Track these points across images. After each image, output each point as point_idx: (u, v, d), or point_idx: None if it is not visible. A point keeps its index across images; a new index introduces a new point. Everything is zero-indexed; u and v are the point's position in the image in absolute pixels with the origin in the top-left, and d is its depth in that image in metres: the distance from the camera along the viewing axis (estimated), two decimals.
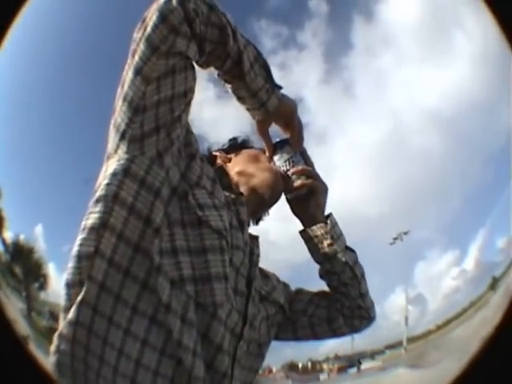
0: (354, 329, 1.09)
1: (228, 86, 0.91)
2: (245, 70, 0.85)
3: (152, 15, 0.73)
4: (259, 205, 1.02)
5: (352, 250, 1.06)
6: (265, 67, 0.89)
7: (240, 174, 1.02)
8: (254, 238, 0.97)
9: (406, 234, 15.73)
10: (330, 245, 1.03)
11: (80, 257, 0.72)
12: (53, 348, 0.72)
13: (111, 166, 0.75)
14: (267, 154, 1.04)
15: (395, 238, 15.82)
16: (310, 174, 1.02)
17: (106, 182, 0.74)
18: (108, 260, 0.71)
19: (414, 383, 8.45)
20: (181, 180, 0.78)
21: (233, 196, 0.90)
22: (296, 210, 1.07)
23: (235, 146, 1.12)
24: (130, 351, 0.69)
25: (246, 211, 0.91)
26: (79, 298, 0.71)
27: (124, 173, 0.73)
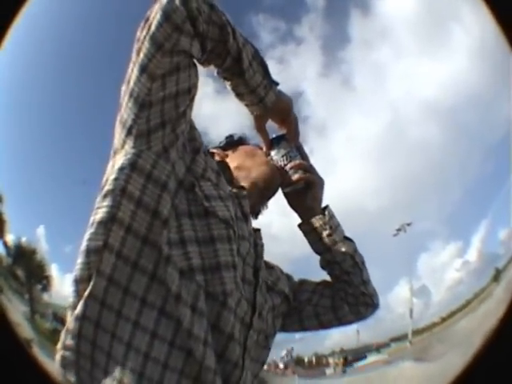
0: (360, 316, 1.11)
1: (227, 83, 0.93)
2: (244, 67, 0.87)
3: (156, 14, 0.75)
4: (257, 198, 1.04)
5: (350, 240, 1.10)
6: (262, 64, 0.92)
7: (238, 169, 1.05)
8: (257, 231, 0.99)
9: (409, 225, 15.72)
10: (329, 235, 1.07)
11: (89, 251, 0.73)
12: (59, 345, 0.73)
13: (118, 161, 0.77)
14: (264, 149, 1.06)
15: (398, 230, 15.82)
16: (307, 168, 1.05)
17: (113, 176, 0.75)
18: (116, 253, 0.72)
19: (420, 376, 8.47)
20: (186, 173, 0.80)
21: (235, 190, 0.92)
22: (293, 204, 1.10)
23: (232, 142, 1.15)
24: (138, 344, 0.70)
25: (248, 204, 0.93)
26: (87, 292, 0.71)
27: (131, 167, 0.75)
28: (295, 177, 1.03)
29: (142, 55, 0.75)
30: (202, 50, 0.80)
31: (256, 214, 1.14)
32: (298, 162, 1.04)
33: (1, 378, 0.77)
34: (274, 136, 1.05)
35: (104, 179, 0.78)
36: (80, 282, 0.73)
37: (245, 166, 1.05)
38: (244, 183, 1.01)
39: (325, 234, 1.07)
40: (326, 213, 1.07)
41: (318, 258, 1.11)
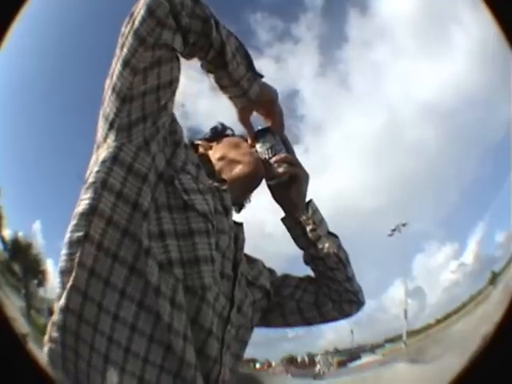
0: (344, 313, 1.11)
1: (211, 76, 0.93)
2: (227, 59, 0.87)
3: (140, 9, 0.76)
4: (240, 190, 1.04)
5: (335, 235, 1.09)
6: (246, 57, 0.92)
7: (221, 159, 1.05)
8: (239, 224, 0.99)
9: (404, 225, 15.70)
10: (312, 230, 1.06)
11: (71, 243, 0.74)
12: (46, 337, 0.73)
13: (101, 154, 0.78)
14: (249, 141, 1.06)
15: (393, 230, 15.80)
16: (292, 161, 1.04)
17: (95, 169, 0.76)
18: (97, 245, 0.72)
19: (415, 378, 8.48)
20: (166, 166, 0.81)
21: (216, 183, 0.91)
22: (278, 197, 1.09)
23: (216, 134, 1.14)
24: (119, 338, 0.70)
25: (230, 197, 0.92)
26: (69, 283, 0.72)
27: (112, 160, 0.76)
28: (279, 170, 1.02)
29: (125, 50, 0.76)
30: (185, 43, 0.81)
31: (239, 207, 1.14)
32: (282, 155, 1.03)
33: None
34: (259, 128, 1.04)
35: (88, 173, 0.79)
36: (64, 274, 0.73)
37: (228, 157, 1.05)
38: (227, 174, 1.01)
39: (308, 228, 1.06)
40: (309, 207, 1.07)
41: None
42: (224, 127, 1.16)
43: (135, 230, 0.73)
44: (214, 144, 1.11)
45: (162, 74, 0.78)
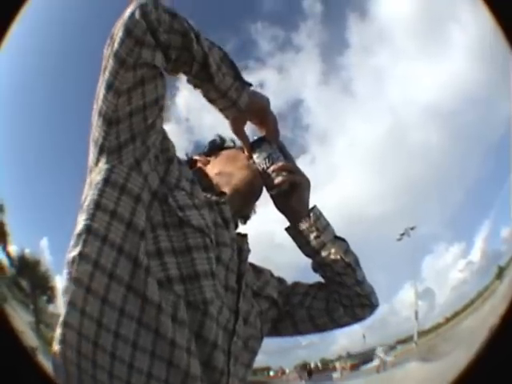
0: (357, 317, 1.08)
1: (199, 91, 0.92)
2: (212, 71, 0.86)
3: (118, 31, 0.76)
4: (240, 203, 1.03)
5: (342, 239, 1.06)
6: (232, 67, 0.90)
7: (219, 174, 1.04)
8: (243, 236, 0.98)
9: (412, 229, 15.56)
10: (316, 237, 1.03)
11: (68, 263, 0.76)
12: (52, 349, 0.77)
13: (94, 178, 0.79)
14: (245, 152, 1.04)
15: (402, 234, 15.65)
16: (291, 169, 1.02)
17: (89, 193, 0.78)
18: (93, 263, 0.73)
19: (427, 376, 8.39)
20: (160, 184, 0.81)
21: (214, 197, 0.91)
22: (280, 207, 1.07)
23: (214, 148, 1.14)
24: (121, 354, 0.71)
25: (230, 210, 0.92)
26: (67, 300, 0.74)
27: (104, 182, 0.77)
28: (279, 179, 1.00)
29: (107, 73, 0.77)
30: (167, 59, 0.80)
31: (244, 219, 1.14)
32: (280, 163, 1.01)
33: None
34: (254, 139, 1.03)
35: (83, 197, 0.81)
36: (64, 292, 0.76)
37: (225, 172, 1.04)
38: (225, 189, 1.00)
39: (312, 236, 1.03)
40: (312, 214, 1.04)
41: None
42: (223, 140, 1.16)
43: (130, 248, 0.74)
44: (212, 158, 1.11)
45: (147, 93, 0.77)
